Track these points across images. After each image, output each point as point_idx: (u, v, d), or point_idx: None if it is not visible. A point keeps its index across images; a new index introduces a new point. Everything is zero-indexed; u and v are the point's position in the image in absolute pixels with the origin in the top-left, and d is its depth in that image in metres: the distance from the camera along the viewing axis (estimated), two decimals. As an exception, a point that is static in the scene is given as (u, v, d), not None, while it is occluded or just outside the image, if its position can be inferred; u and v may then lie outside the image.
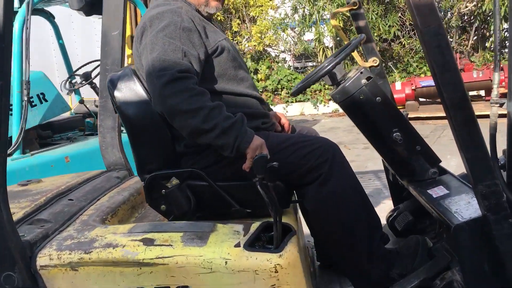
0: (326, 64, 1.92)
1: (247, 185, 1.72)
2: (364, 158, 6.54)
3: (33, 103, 4.00)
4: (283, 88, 10.92)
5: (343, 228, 1.81)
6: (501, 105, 2.03)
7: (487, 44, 10.08)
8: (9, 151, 3.67)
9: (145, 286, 1.51)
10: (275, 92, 11.06)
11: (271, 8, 11.20)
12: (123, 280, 1.52)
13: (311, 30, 10.78)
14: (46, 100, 4.14)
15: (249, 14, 10.97)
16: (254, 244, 1.57)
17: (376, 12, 9.98)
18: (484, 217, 1.42)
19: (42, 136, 4.26)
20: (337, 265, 1.99)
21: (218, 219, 1.77)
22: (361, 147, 7.35)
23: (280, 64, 11.46)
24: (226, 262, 1.48)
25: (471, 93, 8.89)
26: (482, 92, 8.81)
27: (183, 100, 1.63)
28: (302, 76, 11.13)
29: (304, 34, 11.20)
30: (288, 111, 10.84)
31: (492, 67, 8.36)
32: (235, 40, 11.18)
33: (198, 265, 1.49)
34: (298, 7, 10.85)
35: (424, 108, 8.77)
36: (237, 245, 1.53)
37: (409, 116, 2.13)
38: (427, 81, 8.27)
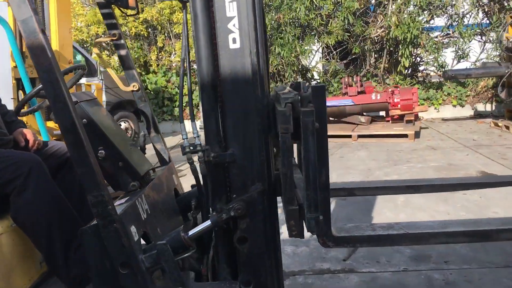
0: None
1: None
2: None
3: None
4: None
5: (39, 234, 2.06)
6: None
7: (398, 68, 10.63)
8: None
9: None
10: (198, 106, 11.29)
11: (196, 26, 11.49)
12: None
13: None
14: None
15: (173, 31, 11.25)
16: None
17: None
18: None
19: None
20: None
21: None
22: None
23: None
24: None
25: (372, 114, 9.36)
26: (383, 113, 9.28)
27: None
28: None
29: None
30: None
31: (390, 90, 8.84)
32: (160, 55, 11.42)
33: None
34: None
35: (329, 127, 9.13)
36: None
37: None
38: (329, 101, 8.65)
